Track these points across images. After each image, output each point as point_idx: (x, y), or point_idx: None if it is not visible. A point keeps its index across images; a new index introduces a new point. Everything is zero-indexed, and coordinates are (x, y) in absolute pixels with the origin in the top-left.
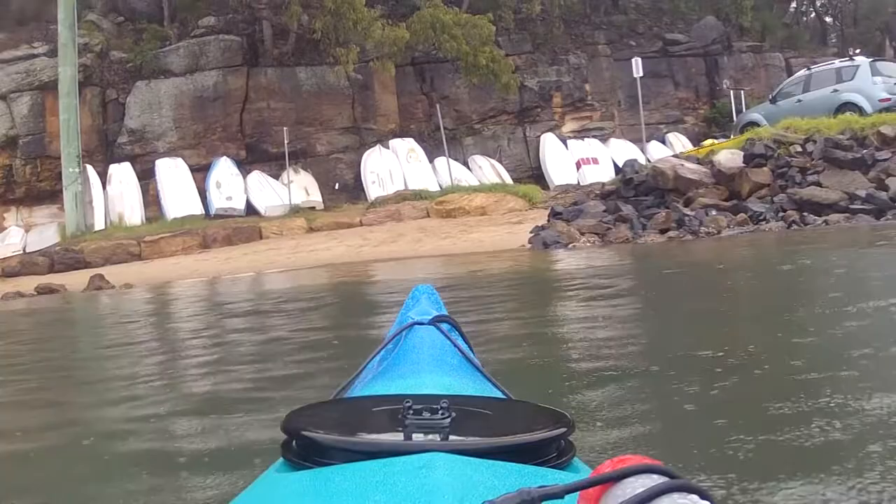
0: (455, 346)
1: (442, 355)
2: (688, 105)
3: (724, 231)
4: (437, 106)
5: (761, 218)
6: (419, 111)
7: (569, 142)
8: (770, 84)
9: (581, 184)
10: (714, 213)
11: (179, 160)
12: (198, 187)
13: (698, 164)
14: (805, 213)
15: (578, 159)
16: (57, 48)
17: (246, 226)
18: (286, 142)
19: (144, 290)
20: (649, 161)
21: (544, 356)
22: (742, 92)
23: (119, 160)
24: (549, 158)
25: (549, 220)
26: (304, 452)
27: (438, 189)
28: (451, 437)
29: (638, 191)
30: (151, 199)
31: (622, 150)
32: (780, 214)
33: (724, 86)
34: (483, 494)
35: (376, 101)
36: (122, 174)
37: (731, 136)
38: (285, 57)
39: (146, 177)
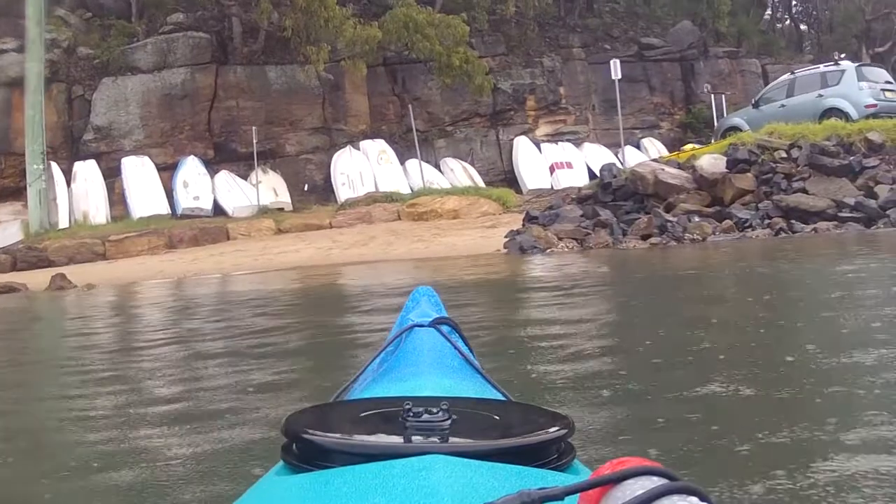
0: (455, 348)
1: (442, 357)
2: (663, 110)
3: (710, 238)
4: (410, 107)
5: (747, 225)
6: (390, 112)
7: (542, 145)
8: (747, 90)
9: (554, 188)
10: (697, 219)
11: (146, 158)
12: (164, 186)
13: (679, 168)
14: (793, 221)
15: (552, 163)
16: (25, 44)
17: (213, 226)
18: (255, 141)
19: (107, 291)
20: (624, 166)
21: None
22: (723, 96)
23: (84, 157)
24: (523, 162)
25: (524, 225)
26: (304, 455)
27: (410, 192)
28: (451, 440)
29: (616, 196)
30: (117, 198)
31: (596, 155)
32: (767, 222)
33: (704, 90)
34: (483, 496)
35: (347, 101)
36: (88, 172)
37: (712, 141)
38: (255, 55)
39: (112, 175)
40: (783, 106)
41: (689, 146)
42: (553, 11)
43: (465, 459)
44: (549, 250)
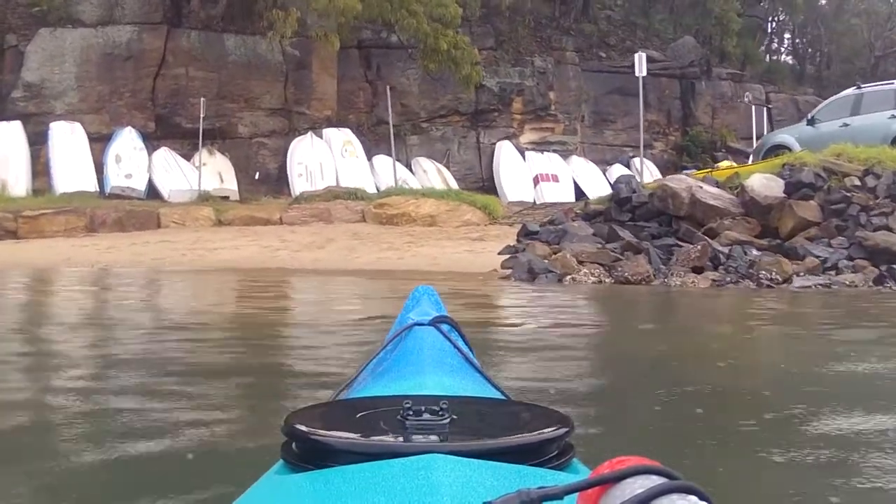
0: (455, 347)
1: (442, 356)
2: (658, 129)
3: (795, 280)
4: (388, 94)
5: (828, 266)
6: (360, 100)
7: (527, 153)
8: (748, 116)
9: (537, 203)
10: (756, 252)
11: (77, 126)
12: (95, 160)
13: (718, 188)
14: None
15: (537, 174)
16: None
17: (142, 210)
18: (202, 116)
19: None
20: (640, 180)
21: None
22: (764, 109)
23: (10, 118)
24: (505, 170)
25: (519, 240)
26: (303, 454)
27: (376, 191)
28: (451, 439)
29: (636, 215)
30: (41, 169)
31: (585, 171)
32: (851, 264)
33: (746, 100)
34: (482, 495)
35: (313, 81)
36: (11, 135)
37: (749, 162)
38: (213, 20)
39: (38, 142)
40: (846, 125)
41: (725, 163)
42: (547, 11)
43: (465, 458)
44: (568, 278)
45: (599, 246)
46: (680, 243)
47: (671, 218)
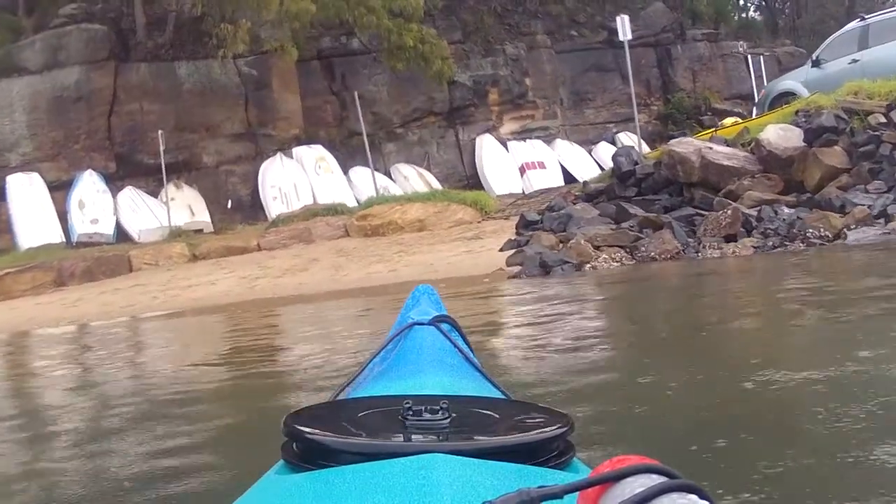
0: (455, 346)
1: (442, 356)
2: (639, 101)
3: (849, 235)
4: (357, 102)
5: (875, 215)
6: (328, 114)
7: (509, 144)
8: (729, 76)
9: (526, 192)
10: (787, 210)
11: (35, 176)
12: (58, 209)
13: (727, 146)
14: None
15: (522, 163)
16: None
17: (111, 255)
18: (162, 148)
19: None
20: (639, 152)
21: None
22: (761, 58)
23: None
24: (488, 164)
25: (519, 232)
26: (304, 454)
27: (357, 204)
28: (451, 438)
29: (642, 188)
30: (2, 226)
31: (571, 154)
32: None
33: (739, 49)
34: (482, 495)
35: (275, 101)
36: None
37: (753, 116)
38: (161, 49)
39: None
40: (855, 61)
41: (729, 120)
42: None
43: (465, 458)
44: (587, 265)
45: (614, 227)
46: (700, 212)
47: (682, 186)
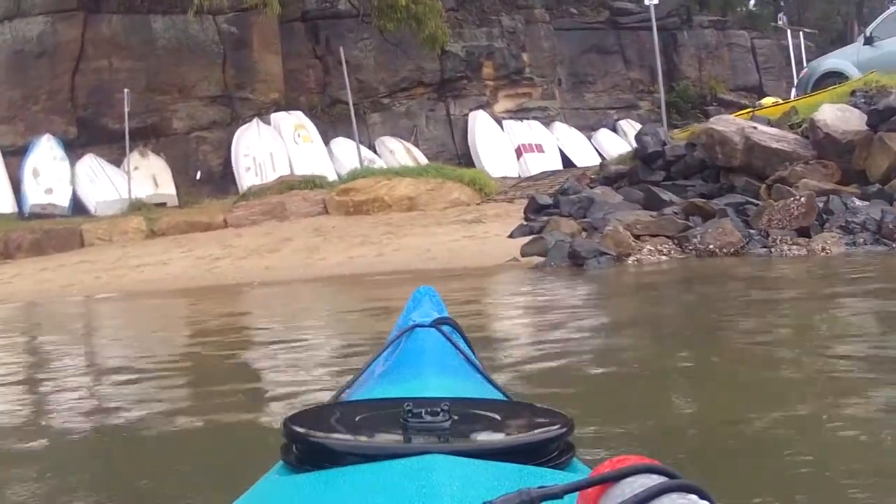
0: (456, 348)
1: (443, 358)
2: (642, 87)
3: None
4: (344, 66)
5: None
6: (310, 79)
7: (505, 123)
8: (735, 66)
9: (522, 175)
10: (857, 202)
11: None
12: (11, 176)
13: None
14: None
15: (518, 145)
16: None
17: (62, 228)
18: (126, 109)
19: None
20: (664, 135)
21: None
22: (801, 33)
23: None
24: (482, 142)
25: (529, 218)
26: (303, 456)
27: (338, 179)
28: (451, 440)
29: (671, 172)
30: None
31: (570, 138)
32: None
33: (780, 22)
34: (483, 495)
35: (255, 62)
36: None
37: (793, 96)
38: (135, 2)
39: None
40: None
41: (768, 100)
42: None
43: (465, 459)
44: (632, 259)
45: (655, 214)
46: (753, 201)
47: (719, 171)
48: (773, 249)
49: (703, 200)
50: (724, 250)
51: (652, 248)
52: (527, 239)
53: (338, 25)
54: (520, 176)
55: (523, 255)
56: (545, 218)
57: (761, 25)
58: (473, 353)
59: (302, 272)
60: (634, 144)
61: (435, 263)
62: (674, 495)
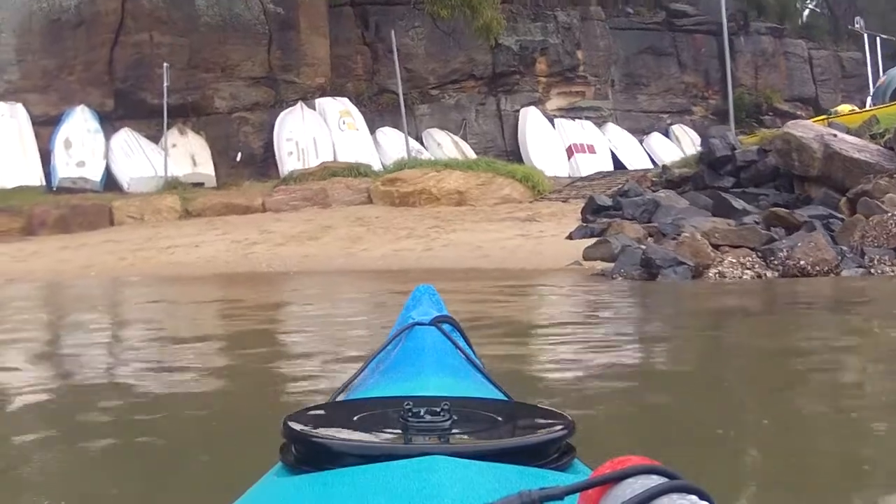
0: (456, 346)
1: (443, 356)
2: (695, 92)
3: None
4: (395, 54)
5: None
6: (358, 66)
7: (556, 121)
8: (791, 76)
9: (572, 176)
10: None
11: (19, 107)
12: (41, 148)
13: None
14: None
15: (570, 144)
16: None
17: (91, 205)
18: (165, 84)
19: None
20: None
21: None
22: (878, 38)
23: None
24: (532, 140)
25: (587, 219)
26: (302, 456)
27: (382, 169)
28: (452, 440)
29: (741, 179)
30: None
31: (622, 140)
32: None
33: (856, 26)
34: (483, 496)
35: (302, 44)
36: None
37: (869, 105)
38: None
39: None
40: None
41: (845, 107)
42: None
43: (466, 460)
44: (713, 272)
45: (735, 223)
46: (836, 215)
47: (793, 180)
48: (872, 270)
49: (786, 211)
50: (818, 268)
51: (734, 261)
52: (587, 241)
53: (388, 12)
54: (570, 176)
55: (586, 258)
56: (606, 220)
57: (818, 35)
58: (473, 352)
59: (343, 262)
60: (686, 150)
61: (488, 262)
62: (674, 496)
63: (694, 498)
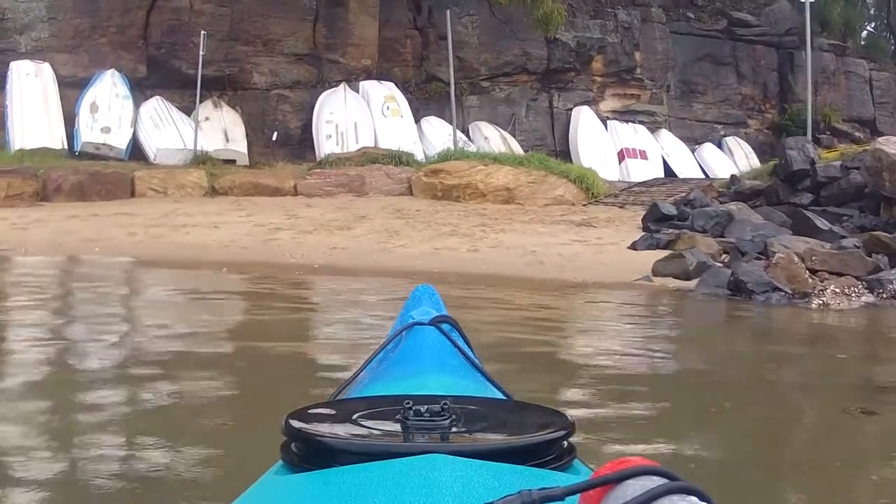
0: (456, 346)
1: (442, 356)
2: (752, 105)
3: None
4: (449, 40)
5: None
6: (407, 50)
7: (609, 123)
8: (851, 96)
9: (623, 181)
10: None
11: (46, 66)
12: (66, 110)
13: None
14: None
15: (622, 148)
16: None
17: (111, 172)
18: (201, 53)
19: None
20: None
21: None
22: None
23: None
24: (584, 141)
25: (649, 228)
26: (303, 454)
27: (424, 159)
28: (452, 439)
29: (820, 196)
30: None
31: (674, 148)
32: None
33: None
34: (484, 496)
35: (349, 23)
36: None
37: None
38: None
39: None
40: None
41: None
42: None
43: (466, 459)
44: (816, 302)
45: (834, 246)
46: None
47: (880, 202)
48: None
49: (889, 236)
50: None
51: (837, 291)
52: (653, 252)
53: None
54: (621, 181)
55: (656, 273)
56: (671, 230)
57: (879, 56)
58: (472, 352)
59: (376, 259)
60: (739, 164)
61: (543, 270)
62: (675, 497)
63: (694, 499)
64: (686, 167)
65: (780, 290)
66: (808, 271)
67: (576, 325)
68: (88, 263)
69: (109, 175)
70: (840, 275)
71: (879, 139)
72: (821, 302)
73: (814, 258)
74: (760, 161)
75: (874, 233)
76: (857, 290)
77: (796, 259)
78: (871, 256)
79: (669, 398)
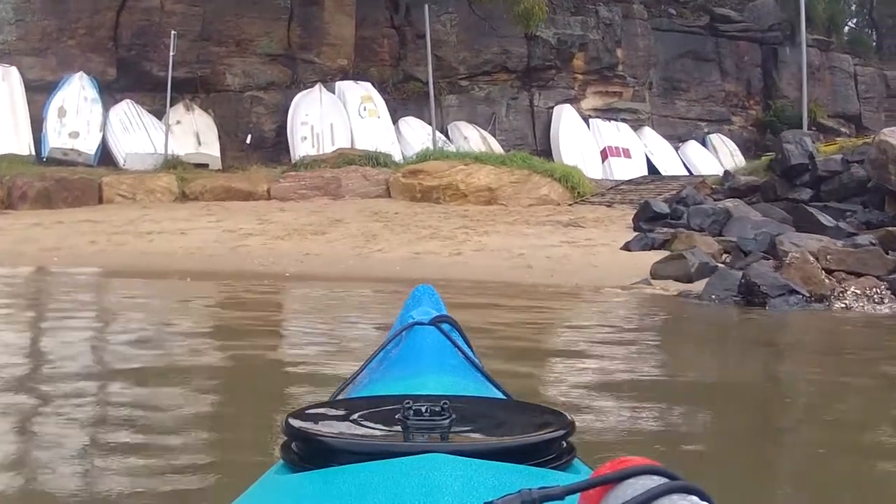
0: (456, 346)
1: (442, 356)
2: (736, 102)
3: None
4: (428, 41)
5: None
6: (384, 50)
7: (591, 121)
8: (836, 91)
9: (605, 180)
10: None
11: (13, 70)
12: (33, 115)
13: None
14: None
15: (605, 147)
16: None
17: (78, 178)
18: (171, 54)
19: None
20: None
21: None
22: None
23: None
24: (566, 140)
25: (640, 227)
26: (303, 454)
27: (403, 160)
28: (452, 438)
29: (821, 191)
30: None
31: (658, 146)
32: None
33: None
34: (484, 495)
35: (325, 22)
36: None
37: None
38: None
39: None
40: None
41: None
42: None
43: (466, 458)
44: (838, 305)
45: (849, 244)
46: None
47: (884, 196)
48: None
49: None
50: None
51: (858, 292)
52: (647, 253)
53: None
54: (604, 179)
55: (655, 276)
56: (666, 229)
57: (863, 52)
58: (472, 352)
59: (352, 265)
60: (724, 161)
61: (531, 275)
62: (675, 497)
63: (694, 499)
64: (670, 165)
65: (798, 292)
66: (823, 271)
67: (576, 350)
68: (42, 274)
69: (76, 181)
70: (859, 275)
71: (884, 130)
72: (843, 305)
73: (829, 257)
74: (745, 158)
75: (889, 229)
76: (879, 291)
77: (811, 259)
78: (887, 254)
79: None
